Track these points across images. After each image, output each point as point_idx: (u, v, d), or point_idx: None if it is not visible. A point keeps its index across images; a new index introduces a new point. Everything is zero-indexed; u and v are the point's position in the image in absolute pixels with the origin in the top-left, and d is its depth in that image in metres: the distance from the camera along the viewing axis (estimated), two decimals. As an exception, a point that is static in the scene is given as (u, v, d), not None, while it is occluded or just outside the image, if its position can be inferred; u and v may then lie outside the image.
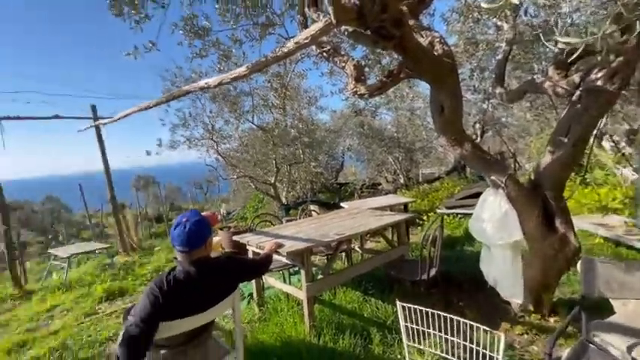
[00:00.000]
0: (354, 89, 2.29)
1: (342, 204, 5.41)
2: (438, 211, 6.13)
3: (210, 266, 1.64)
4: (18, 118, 4.91)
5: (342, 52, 2.52)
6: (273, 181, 7.64)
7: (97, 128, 5.71)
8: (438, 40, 2.05)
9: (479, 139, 10.59)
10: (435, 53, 2.02)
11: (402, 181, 10.55)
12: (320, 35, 1.75)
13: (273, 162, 7.49)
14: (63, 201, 19.14)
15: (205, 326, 1.66)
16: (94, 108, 5.72)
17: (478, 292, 2.87)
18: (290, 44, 1.93)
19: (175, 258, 1.69)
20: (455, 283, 3.11)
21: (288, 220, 4.69)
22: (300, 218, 4.36)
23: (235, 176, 7.91)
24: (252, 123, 7.18)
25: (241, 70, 2.30)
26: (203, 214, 1.78)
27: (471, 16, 3.95)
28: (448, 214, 5.84)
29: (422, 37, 2.14)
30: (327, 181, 11.36)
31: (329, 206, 7.30)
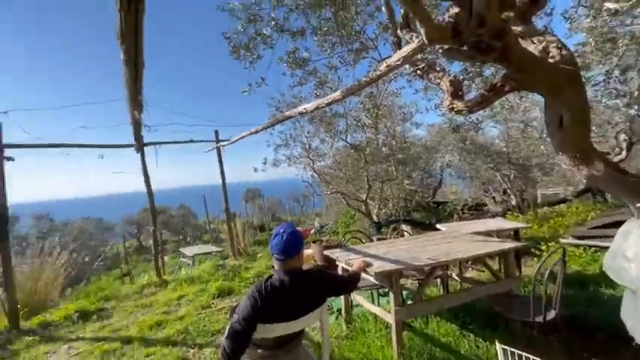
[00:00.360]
0: (451, 106, 2.17)
1: (438, 225, 5.04)
2: (563, 240, 5.09)
3: (301, 277, 1.76)
4: (167, 142, 6.29)
5: (438, 68, 2.43)
6: (364, 198, 7.68)
7: (218, 149, 6.86)
8: (554, 45, 1.79)
9: (624, 152, 8.43)
10: (551, 61, 1.76)
11: (513, 202, 9.17)
12: (412, 56, 1.75)
13: (365, 179, 7.55)
14: (192, 209, 23.16)
15: (296, 333, 1.77)
16: (216, 133, 6.90)
17: (620, 349, 2.25)
18: (382, 67, 1.98)
19: (273, 266, 1.87)
20: (584, 332, 2.52)
21: (378, 239, 4.64)
22: (391, 237, 4.26)
23: (328, 192, 8.26)
24: (346, 142, 7.45)
25: (336, 95, 2.46)
26: (297, 228, 1.94)
27: (605, 8, 3.30)
28: (577, 246, 4.79)
29: (533, 43, 1.91)
30: (422, 200, 10.74)
31: (424, 227, 6.88)
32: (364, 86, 2.20)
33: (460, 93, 2.17)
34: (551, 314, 2.30)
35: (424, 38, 1.50)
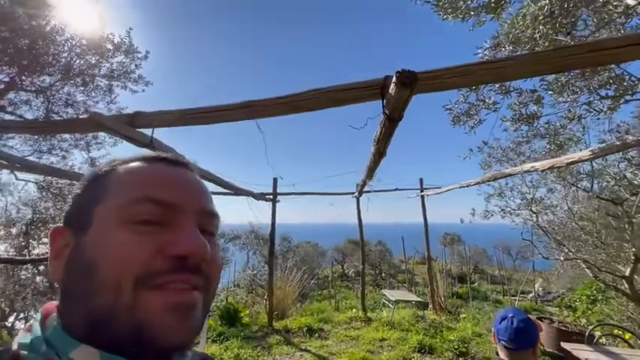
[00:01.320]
0: None
1: None
2: None
3: (537, 380, 1.49)
4: (378, 191, 7.15)
5: None
6: (627, 274, 5.39)
7: (422, 197, 7.03)
8: None
9: None
10: None
11: None
12: None
13: (630, 247, 5.34)
14: (387, 245, 24.20)
15: None
16: (421, 181, 7.16)
17: None
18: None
19: (497, 353, 1.69)
20: None
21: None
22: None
23: (562, 258, 6.39)
24: (590, 192, 5.66)
25: (583, 154, 2.04)
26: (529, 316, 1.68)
27: None
28: None
29: None
30: None
31: None
32: (632, 146, 1.70)
33: None
34: None
35: None
